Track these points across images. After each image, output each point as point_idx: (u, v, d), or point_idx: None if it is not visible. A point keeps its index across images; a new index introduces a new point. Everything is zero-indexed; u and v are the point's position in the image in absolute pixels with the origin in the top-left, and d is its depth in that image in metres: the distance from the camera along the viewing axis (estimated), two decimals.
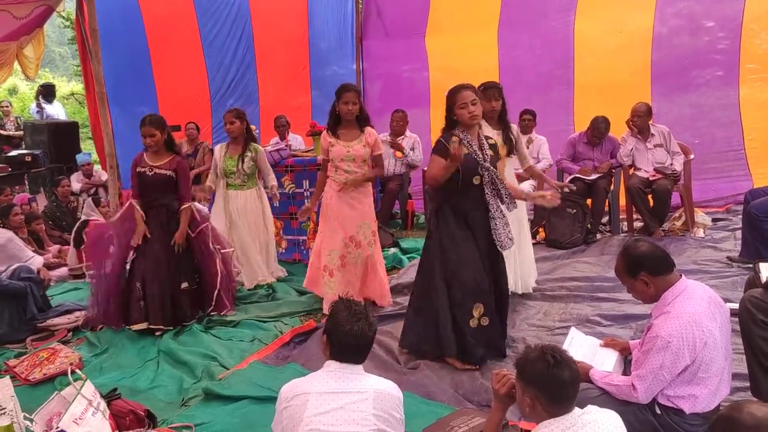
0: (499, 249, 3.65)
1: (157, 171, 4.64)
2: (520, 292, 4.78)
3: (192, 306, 4.75)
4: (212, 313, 4.80)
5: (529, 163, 4.84)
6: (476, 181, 3.59)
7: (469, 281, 3.61)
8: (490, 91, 4.42)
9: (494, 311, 3.70)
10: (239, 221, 5.40)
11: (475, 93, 3.59)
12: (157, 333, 4.52)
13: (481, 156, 3.58)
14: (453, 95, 3.61)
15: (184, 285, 4.71)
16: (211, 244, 4.82)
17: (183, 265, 4.74)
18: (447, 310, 3.67)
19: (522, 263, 4.80)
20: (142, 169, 4.65)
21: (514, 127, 4.65)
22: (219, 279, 4.81)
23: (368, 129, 4.57)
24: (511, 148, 4.51)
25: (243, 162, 5.36)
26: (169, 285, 4.64)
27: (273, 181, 5.52)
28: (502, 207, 3.67)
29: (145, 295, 4.58)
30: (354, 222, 4.57)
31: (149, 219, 4.65)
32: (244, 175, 5.40)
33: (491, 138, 3.84)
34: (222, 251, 4.92)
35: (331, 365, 2.36)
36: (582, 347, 3.14)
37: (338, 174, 4.54)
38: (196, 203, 5.30)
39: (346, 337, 2.33)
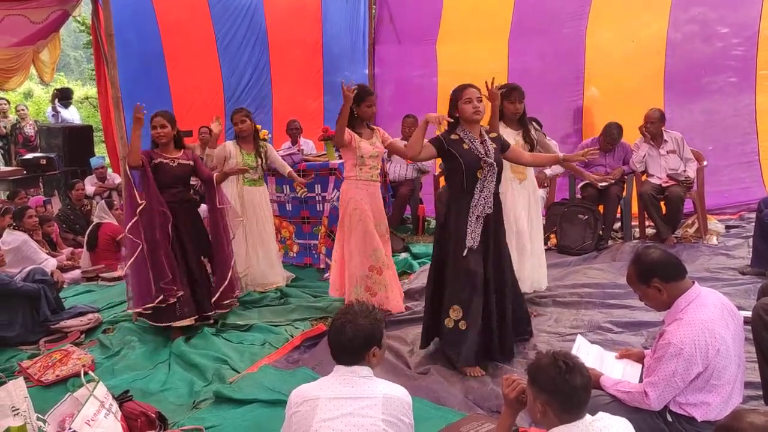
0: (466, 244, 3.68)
1: (180, 162, 4.65)
2: (530, 291, 4.71)
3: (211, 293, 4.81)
4: (223, 302, 4.80)
5: (557, 152, 4.89)
6: (480, 174, 3.67)
7: (453, 282, 3.73)
8: (514, 93, 4.52)
9: (479, 316, 3.70)
10: (254, 217, 5.45)
11: (480, 93, 3.71)
12: (211, 321, 4.69)
13: (482, 151, 3.65)
14: (459, 91, 3.71)
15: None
16: (228, 225, 4.86)
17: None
18: (429, 307, 3.92)
19: (532, 263, 4.70)
20: (164, 161, 4.58)
21: (533, 126, 4.75)
22: (233, 261, 4.85)
23: (377, 128, 4.72)
24: (533, 147, 4.59)
25: (260, 158, 5.50)
26: (204, 275, 4.76)
27: (288, 167, 5.61)
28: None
29: (194, 291, 4.64)
30: (376, 220, 4.62)
31: (179, 217, 4.62)
32: (262, 170, 5.54)
33: (493, 132, 3.93)
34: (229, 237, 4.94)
35: (340, 370, 2.37)
36: (589, 355, 3.12)
37: (363, 172, 4.56)
38: None
39: (329, 330, 2.43)
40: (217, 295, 4.73)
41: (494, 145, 3.74)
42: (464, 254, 3.65)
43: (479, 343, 3.74)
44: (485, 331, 3.76)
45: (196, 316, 4.61)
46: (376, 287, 4.58)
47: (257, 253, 5.51)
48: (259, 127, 5.72)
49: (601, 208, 6.36)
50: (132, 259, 4.47)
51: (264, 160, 5.52)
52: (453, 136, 3.72)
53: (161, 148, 4.64)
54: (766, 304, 2.86)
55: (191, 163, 4.71)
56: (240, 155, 5.46)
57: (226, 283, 4.76)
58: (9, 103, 10.54)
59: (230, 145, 5.56)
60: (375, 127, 4.72)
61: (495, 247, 3.78)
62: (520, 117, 4.60)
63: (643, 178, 6.42)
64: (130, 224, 4.46)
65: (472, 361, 3.70)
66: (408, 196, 7.35)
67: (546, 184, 6.65)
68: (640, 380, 2.84)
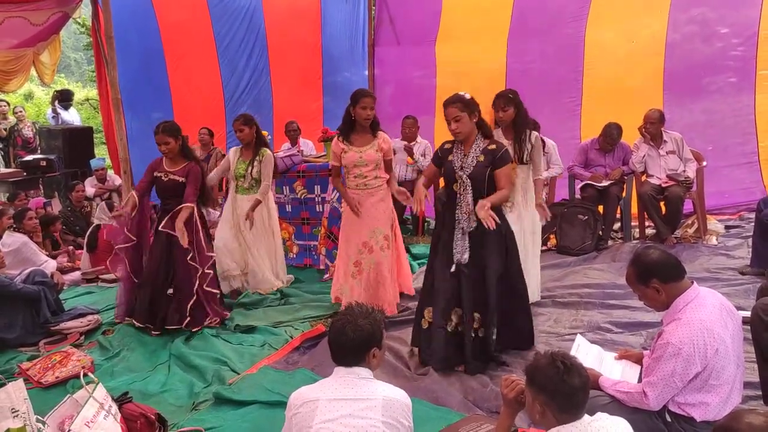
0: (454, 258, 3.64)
1: (171, 177, 4.73)
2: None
3: (176, 311, 4.67)
4: (194, 329, 4.62)
5: (540, 175, 4.64)
6: (455, 188, 3.64)
7: (428, 285, 3.82)
8: (497, 101, 4.44)
9: (446, 318, 3.71)
10: (246, 225, 5.43)
11: (461, 108, 3.55)
12: (154, 333, 4.64)
13: (458, 164, 3.61)
14: (443, 108, 3.64)
15: (170, 291, 4.73)
16: (191, 254, 4.67)
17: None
18: (421, 310, 3.91)
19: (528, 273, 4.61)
20: (158, 174, 4.76)
21: (534, 135, 4.54)
22: (195, 288, 4.65)
23: (382, 134, 4.60)
24: (521, 156, 4.46)
25: (252, 167, 5.43)
26: (157, 286, 4.72)
27: (267, 180, 5.41)
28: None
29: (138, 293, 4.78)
30: (367, 227, 4.58)
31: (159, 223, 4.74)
32: (252, 179, 5.45)
33: (494, 144, 3.71)
34: (202, 258, 4.77)
35: (340, 371, 2.38)
36: (588, 355, 3.12)
37: (350, 180, 4.58)
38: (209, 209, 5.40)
39: (329, 332, 2.44)
40: (186, 320, 4.64)
41: (481, 158, 3.59)
42: (451, 268, 3.64)
43: (449, 347, 3.73)
44: (458, 335, 3.73)
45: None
46: (339, 292, 4.73)
47: (252, 258, 5.49)
48: (265, 134, 5.70)
49: (600, 208, 6.37)
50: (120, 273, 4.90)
51: (252, 168, 5.41)
52: (447, 146, 3.73)
53: (166, 161, 4.78)
54: (765, 304, 2.87)
55: (182, 180, 4.70)
56: (235, 162, 5.49)
57: (190, 304, 4.64)
58: (9, 104, 10.55)
59: (232, 152, 5.58)
60: (380, 132, 4.58)
61: (477, 263, 3.64)
62: (514, 124, 4.45)
63: (643, 178, 6.42)
64: (119, 246, 4.85)
65: (443, 364, 3.71)
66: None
67: (545, 184, 6.65)
68: (639, 381, 2.84)
